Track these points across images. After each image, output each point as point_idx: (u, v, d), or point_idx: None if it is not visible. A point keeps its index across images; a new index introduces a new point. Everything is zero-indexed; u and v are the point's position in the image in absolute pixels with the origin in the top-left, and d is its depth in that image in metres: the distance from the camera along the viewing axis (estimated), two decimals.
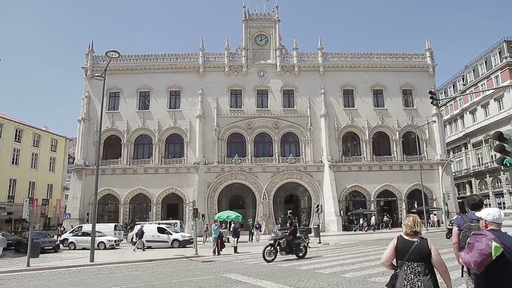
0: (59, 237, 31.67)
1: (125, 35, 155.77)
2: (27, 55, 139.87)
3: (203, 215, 32.58)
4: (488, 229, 3.77)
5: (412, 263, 4.09)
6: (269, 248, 16.26)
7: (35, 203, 40.67)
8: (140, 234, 25.73)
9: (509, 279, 3.53)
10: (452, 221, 30.17)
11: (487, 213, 3.95)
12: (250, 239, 30.18)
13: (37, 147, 49.39)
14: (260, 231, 31.74)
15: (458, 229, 5.32)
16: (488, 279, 3.60)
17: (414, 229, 4.23)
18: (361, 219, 39.71)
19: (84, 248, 26.12)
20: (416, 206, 39.76)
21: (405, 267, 4.11)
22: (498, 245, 3.46)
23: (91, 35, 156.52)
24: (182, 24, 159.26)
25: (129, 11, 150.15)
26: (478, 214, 4.21)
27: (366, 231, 37.43)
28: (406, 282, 4.04)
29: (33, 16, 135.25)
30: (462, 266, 5.25)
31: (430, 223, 38.47)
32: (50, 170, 51.73)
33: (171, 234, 27.53)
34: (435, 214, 40.41)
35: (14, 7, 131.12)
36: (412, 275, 4.05)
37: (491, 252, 3.46)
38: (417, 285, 3.99)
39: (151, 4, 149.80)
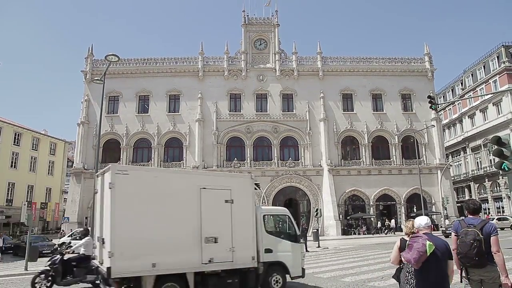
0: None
1: (124, 39, 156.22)
2: (27, 59, 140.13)
3: None
4: (422, 233, 4.70)
5: None
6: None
7: (34, 207, 40.55)
8: None
9: (440, 271, 4.45)
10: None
11: (415, 222, 4.97)
12: None
13: (36, 150, 49.33)
14: None
15: (455, 235, 5.30)
16: (423, 272, 4.44)
17: (413, 231, 5.03)
18: (379, 222, 39.68)
19: None
20: (415, 210, 39.72)
21: (406, 264, 4.83)
22: (430, 243, 4.35)
23: (91, 39, 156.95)
24: (181, 28, 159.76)
25: (129, 15, 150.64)
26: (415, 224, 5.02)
27: (378, 233, 37.54)
28: (408, 273, 4.79)
29: (33, 19, 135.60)
30: (461, 271, 5.26)
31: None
32: (49, 173, 51.65)
33: None
34: (446, 218, 39.32)
35: (14, 11, 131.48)
36: (410, 268, 4.80)
37: (426, 249, 4.32)
38: (410, 282, 4.76)
39: (150, 8, 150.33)
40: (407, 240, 4.93)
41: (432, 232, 5.00)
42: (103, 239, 8.63)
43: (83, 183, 39.65)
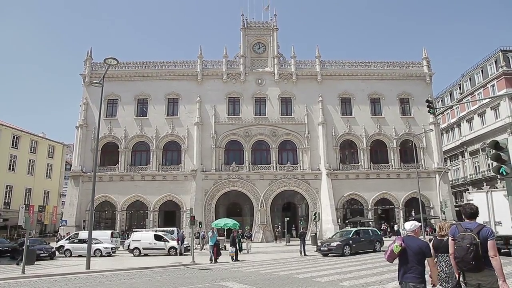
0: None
1: (123, 42, 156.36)
2: (26, 61, 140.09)
3: (200, 223, 32.46)
4: (406, 235, 5.69)
5: (443, 254, 5.95)
6: None
7: (31, 210, 40.43)
8: (181, 239, 27.05)
9: (410, 265, 5.29)
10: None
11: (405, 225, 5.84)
12: (240, 248, 26.51)
13: (34, 153, 49.23)
14: (252, 240, 30.62)
15: (452, 239, 5.32)
16: (400, 264, 5.45)
17: (441, 233, 6.13)
18: (395, 226, 39.55)
19: (80, 256, 25.96)
20: (413, 214, 39.73)
21: (439, 257, 6.04)
22: (397, 245, 5.35)
23: (90, 42, 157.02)
24: (180, 31, 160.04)
25: (128, 18, 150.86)
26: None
27: None
28: (439, 267, 5.92)
29: (32, 22, 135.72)
30: (458, 276, 5.28)
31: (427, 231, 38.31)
32: (47, 176, 51.52)
33: (168, 241, 27.41)
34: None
35: (13, 13, 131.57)
36: (443, 263, 5.98)
37: (393, 249, 5.36)
38: (445, 270, 5.91)
39: (149, 12, 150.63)
40: (438, 239, 6.11)
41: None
42: (499, 222, 17.52)
43: (81, 186, 39.56)
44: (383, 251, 21.92)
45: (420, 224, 5.93)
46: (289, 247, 30.69)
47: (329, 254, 22.30)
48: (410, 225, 5.66)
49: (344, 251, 21.91)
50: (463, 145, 52.71)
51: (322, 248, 22.83)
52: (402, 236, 5.87)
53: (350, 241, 22.72)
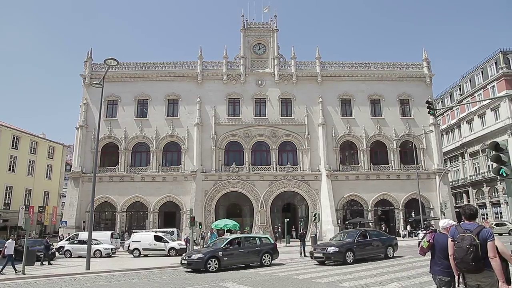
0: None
1: (124, 43, 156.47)
2: (26, 62, 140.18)
3: (200, 224, 32.48)
4: (438, 232, 6.22)
5: None
6: None
7: (31, 211, 40.44)
8: (188, 241, 27.34)
9: (438, 257, 5.91)
10: (422, 232, 27.86)
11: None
12: None
13: (34, 154, 49.22)
14: None
15: (452, 240, 5.33)
16: (431, 258, 6.07)
17: None
18: (408, 226, 39.48)
19: (80, 256, 25.98)
20: (413, 216, 39.76)
21: None
22: (425, 240, 6.02)
23: (90, 43, 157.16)
24: (180, 32, 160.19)
25: (128, 18, 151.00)
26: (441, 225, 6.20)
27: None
28: None
29: (32, 22, 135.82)
30: (458, 277, 5.29)
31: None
32: (47, 177, 51.51)
33: (168, 242, 27.40)
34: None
35: (13, 13, 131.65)
36: None
37: (422, 245, 6.04)
38: None
39: (149, 12, 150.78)
40: None
41: None
42: None
43: (81, 187, 39.57)
44: (278, 264, 18.71)
45: (453, 222, 6.14)
46: (289, 248, 30.65)
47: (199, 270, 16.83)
48: (443, 223, 6.16)
49: (208, 265, 16.40)
50: (463, 146, 52.76)
51: (183, 262, 17.26)
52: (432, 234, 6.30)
53: (220, 253, 17.07)
